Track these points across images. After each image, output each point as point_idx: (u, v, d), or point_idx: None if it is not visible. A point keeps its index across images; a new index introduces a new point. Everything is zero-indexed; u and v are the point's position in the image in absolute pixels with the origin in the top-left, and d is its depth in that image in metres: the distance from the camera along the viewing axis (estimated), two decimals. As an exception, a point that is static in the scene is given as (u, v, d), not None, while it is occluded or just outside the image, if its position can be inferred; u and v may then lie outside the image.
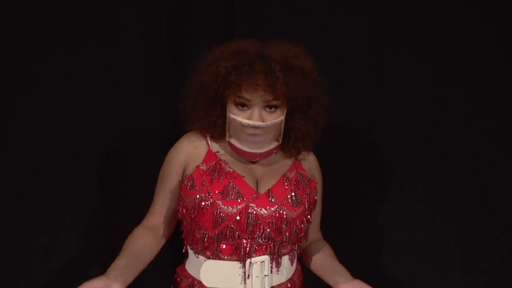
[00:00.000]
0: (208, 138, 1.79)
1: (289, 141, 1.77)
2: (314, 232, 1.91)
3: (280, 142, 1.75)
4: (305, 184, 1.78)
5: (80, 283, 2.19)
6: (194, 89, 1.75)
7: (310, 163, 1.87)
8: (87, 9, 2.20)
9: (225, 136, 1.75)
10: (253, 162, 1.77)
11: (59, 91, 2.18)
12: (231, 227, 1.67)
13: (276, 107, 1.68)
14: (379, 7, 2.29)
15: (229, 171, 1.71)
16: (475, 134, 2.29)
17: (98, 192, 2.22)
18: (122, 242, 2.18)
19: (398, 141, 2.31)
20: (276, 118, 1.68)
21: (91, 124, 2.20)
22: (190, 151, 1.76)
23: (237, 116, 1.67)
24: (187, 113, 1.78)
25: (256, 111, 1.66)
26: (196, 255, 1.74)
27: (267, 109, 1.68)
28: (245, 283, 1.68)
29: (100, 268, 2.22)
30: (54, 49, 2.18)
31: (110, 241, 2.22)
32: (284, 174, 1.77)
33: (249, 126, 1.66)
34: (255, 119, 1.65)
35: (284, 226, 1.70)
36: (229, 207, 1.67)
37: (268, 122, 1.66)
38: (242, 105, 1.67)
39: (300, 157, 1.85)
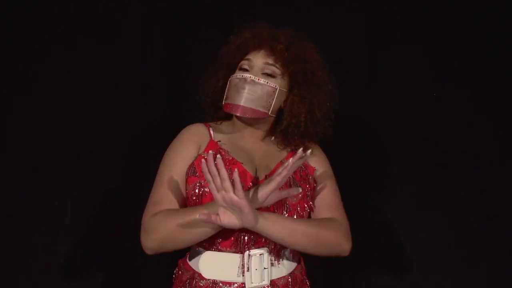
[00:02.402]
0: (210, 129, 1.82)
1: (283, 124, 1.81)
2: (324, 212, 1.80)
3: (269, 113, 1.78)
4: (302, 170, 1.80)
5: (80, 283, 2.21)
6: (212, 67, 1.90)
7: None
8: (86, 9, 2.21)
9: (224, 120, 1.85)
10: (248, 145, 1.81)
11: (58, 91, 2.19)
12: None
13: (273, 76, 1.78)
14: (379, 6, 2.29)
15: (228, 158, 1.74)
16: (475, 134, 2.30)
17: (98, 192, 2.23)
18: (122, 242, 2.19)
19: (398, 140, 2.31)
20: (269, 83, 1.76)
21: (91, 124, 2.21)
22: (199, 136, 1.79)
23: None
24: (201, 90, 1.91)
25: (254, 70, 1.78)
26: (197, 247, 1.75)
27: (266, 74, 1.78)
28: (243, 275, 1.68)
29: (100, 268, 2.23)
30: (54, 49, 2.19)
31: (110, 241, 2.23)
32: (281, 161, 1.80)
33: (242, 78, 1.76)
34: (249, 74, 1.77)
35: (284, 212, 1.71)
36: None
37: (261, 80, 1.75)
38: (245, 69, 1.79)
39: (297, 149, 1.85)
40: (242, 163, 1.74)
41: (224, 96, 1.81)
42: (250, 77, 1.75)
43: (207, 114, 1.92)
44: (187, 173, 1.74)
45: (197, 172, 1.72)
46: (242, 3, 2.32)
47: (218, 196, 1.55)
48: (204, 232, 1.63)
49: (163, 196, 1.70)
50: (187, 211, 1.64)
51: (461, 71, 2.29)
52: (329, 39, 2.25)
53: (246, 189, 1.69)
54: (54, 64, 2.18)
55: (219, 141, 1.79)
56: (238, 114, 1.77)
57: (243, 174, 1.72)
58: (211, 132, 1.81)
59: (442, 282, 2.31)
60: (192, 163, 1.74)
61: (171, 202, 1.69)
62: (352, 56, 2.30)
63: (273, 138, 1.87)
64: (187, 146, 1.76)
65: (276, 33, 1.80)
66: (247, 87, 1.75)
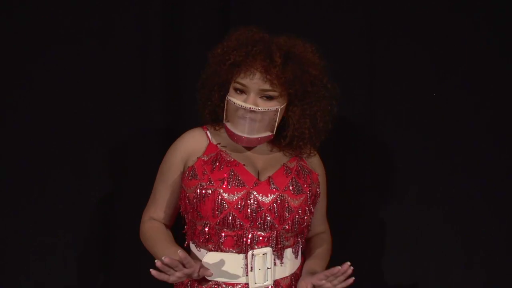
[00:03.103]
0: (208, 132, 1.81)
1: (287, 138, 1.78)
2: (319, 225, 1.92)
3: (273, 133, 1.76)
4: (306, 174, 1.80)
5: (81, 283, 2.21)
6: (203, 75, 1.84)
7: (311, 159, 1.88)
8: (83, 10, 2.20)
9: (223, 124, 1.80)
10: (250, 148, 1.80)
11: (58, 92, 2.18)
12: (232, 214, 1.68)
13: (272, 97, 1.71)
14: (378, 5, 2.30)
15: (229, 160, 1.74)
16: (476, 134, 2.30)
17: (98, 193, 2.23)
18: (122, 242, 2.19)
19: (398, 140, 2.31)
20: (271, 106, 1.71)
21: (91, 124, 2.21)
22: (191, 145, 1.79)
23: (234, 98, 1.71)
24: (198, 99, 1.87)
25: (251, 96, 1.70)
26: (198, 249, 1.75)
27: (264, 97, 1.71)
28: (247, 275, 1.68)
29: (100, 269, 2.24)
30: (52, 51, 2.18)
31: (110, 241, 2.23)
32: (284, 163, 1.79)
33: (241, 108, 1.69)
34: (249, 102, 1.70)
35: (286, 214, 1.71)
36: (230, 194, 1.69)
37: (261, 108, 1.69)
38: (241, 90, 1.72)
39: (303, 156, 1.85)
40: (244, 165, 1.74)
41: (224, 115, 1.75)
42: (250, 108, 1.68)
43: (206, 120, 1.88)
44: (186, 177, 1.74)
45: (197, 175, 1.72)
46: (240, 3, 2.31)
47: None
48: None
49: (153, 200, 1.85)
50: (156, 244, 1.75)
51: (461, 70, 2.29)
52: (328, 39, 2.26)
53: (248, 191, 1.70)
54: (52, 65, 2.17)
55: (219, 143, 1.78)
56: (244, 145, 1.77)
57: (245, 176, 1.72)
58: (209, 135, 1.81)
59: (443, 282, 2.32)
60: (192, 166, 1.74)
61: (156, 209, 1.83)
62: (351, 56, 2.29)
63: (276, 144, 1.84)
64: (175, 157, 1.80)
65: (270, 49, 1.69)
66: (248, 117, 1.69)
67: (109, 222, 2.23)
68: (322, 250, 1.87)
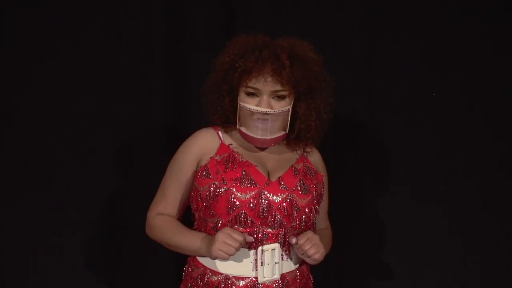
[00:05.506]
0: (220, 132, 1.85)
1: (295, 131, 1.84)
2: (322, 222, 1.97)
3: (287, 132, 1.82)
4: (312, 175, 1.85)
5: (89, 281, 2.21)
6: (209, 82, 1.86)
7: (314, 157, 1.93)
8: (85, 10, 2.20)
9: (234, 126, 1.83)
10: (263, 149, 1.84)
11: (62, 93, 2.19)
12: (244, 212, 1.73)
13: (283, 97, 1.78)
14: (378, 5, 2.30)
15: (242, 160, 1.78)
16: (476, 134, 2.31)
17: (100, 192, 2.23)
18: (125, 240, 2.19)
19: (398, 140, 2.32)
20: (284, 106, 1.77)
21: (91, 124, 2.21)
22: (204, 144, 1.83)
23: (247, 103, 1.77)
24: (204, 105, 1.88)
25: (265, 99, 1.76)
26: None
27: (275, 98, 1.77)
28: (256, 270, 1.74)
29: (108, 266, 2.24)
30: (56, 51, 2.18)
31: (113, 239, 2.23)
32: (292, 165, 1.84)
33: (257, 112, 1.75)
34: (264, 106, 1.75)
35: (294, 212, 1.76)
36: (243, 193, 1.74)
37: (276, 110, 1.76)
38: (252, 94, 1.77)
39: (307, 149, 1.90)
40: (256, 166, 1.78)
41: (237, 120, 1.80)
42: (266, 111, 1.73)
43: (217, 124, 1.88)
44: (199, 175, 1.77)
45: (210, 175, 1.75)
46: (240, 3, 2.32)
47: None
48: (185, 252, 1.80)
49: (163, 197, 1.86)
50: (176, 234, 1.79)
51: (461, 70, 2.30)
52: (328, 39, 2.26)
53: (259, 190, 1.74)
54: (56, 66, 2.18)
55: (231, 144, 1.82)
56: (260, 146, 1.81)
57: (257, 177, 1.76)
58: (221, 135, 1.84)
59: (442, 281, 2.33)
60: (205, 166, 1.77)
61: (166, 206, 1.85)
62: (351, 55, 2.30)
63: (285, 142, 1.89)
64: (188, 156, 1.82)
65: (276, 52, 1.75)
66: (262, 118, 1.75)
67: (110, 221, 2.23)
68: (324, 231, 1.94)
